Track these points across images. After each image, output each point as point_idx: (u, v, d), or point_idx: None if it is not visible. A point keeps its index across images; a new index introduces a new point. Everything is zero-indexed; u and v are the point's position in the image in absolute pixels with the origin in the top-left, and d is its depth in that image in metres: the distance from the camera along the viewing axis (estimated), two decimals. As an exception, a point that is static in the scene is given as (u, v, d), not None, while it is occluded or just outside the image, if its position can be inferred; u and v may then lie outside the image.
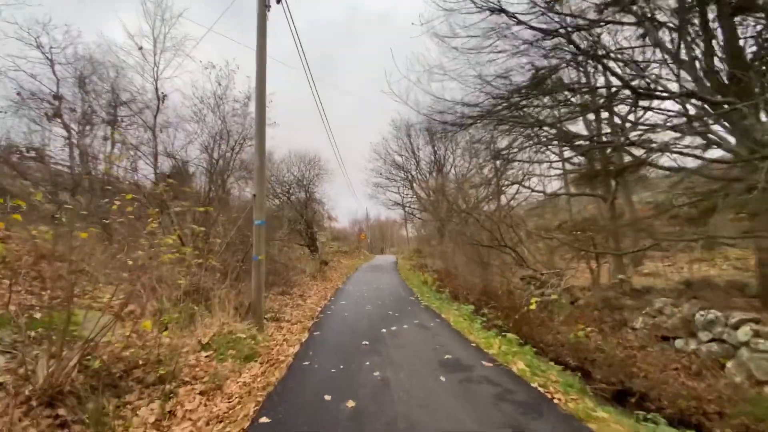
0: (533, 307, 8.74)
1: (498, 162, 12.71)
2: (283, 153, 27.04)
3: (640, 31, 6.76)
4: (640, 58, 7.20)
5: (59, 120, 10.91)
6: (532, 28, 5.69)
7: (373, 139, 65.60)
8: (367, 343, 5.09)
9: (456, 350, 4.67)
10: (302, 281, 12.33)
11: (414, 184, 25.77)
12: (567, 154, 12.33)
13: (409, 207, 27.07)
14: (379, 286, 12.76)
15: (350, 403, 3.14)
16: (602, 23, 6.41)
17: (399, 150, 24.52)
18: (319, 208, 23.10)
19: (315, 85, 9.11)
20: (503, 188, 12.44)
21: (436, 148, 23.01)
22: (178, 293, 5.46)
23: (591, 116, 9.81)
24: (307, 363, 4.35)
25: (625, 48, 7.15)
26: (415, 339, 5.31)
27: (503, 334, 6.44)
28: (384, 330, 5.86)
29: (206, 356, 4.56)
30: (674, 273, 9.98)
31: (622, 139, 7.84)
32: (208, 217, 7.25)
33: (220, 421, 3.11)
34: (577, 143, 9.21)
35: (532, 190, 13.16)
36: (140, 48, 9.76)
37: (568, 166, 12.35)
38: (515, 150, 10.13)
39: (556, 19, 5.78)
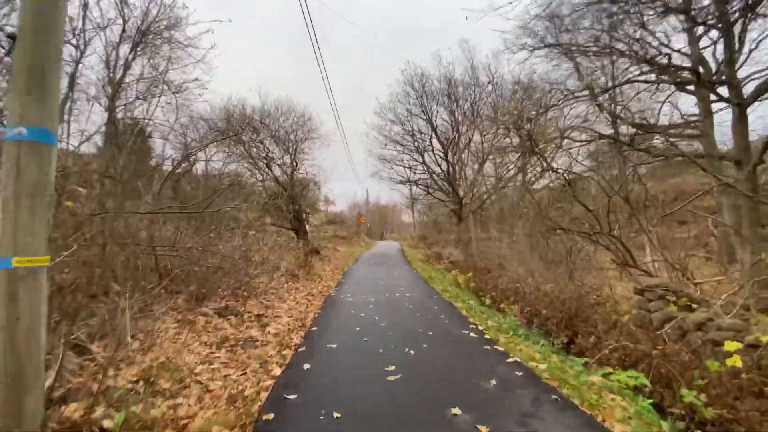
0: (738, 363, 4.15)
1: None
2: (258, 103, 21.97)
3: None
4: None
5: None
6: None
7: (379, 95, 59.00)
8: None
9: None
10: (271, 285, 7.68)
11: (425, 156, 21.11)
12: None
13: (422, 183, 22.48)
14: (393, 293, 8.12)
15: None
16: None
17: (409, 109, 19.69)
18: (310, 182, 18.26)
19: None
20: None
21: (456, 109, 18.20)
22: None
23: None
24: None
25: None
26: None
27: None
28: None
29: None
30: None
31: None
32: None
33: None
34: None
35: (635, 148, 8.42)
36: None
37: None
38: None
39: None
